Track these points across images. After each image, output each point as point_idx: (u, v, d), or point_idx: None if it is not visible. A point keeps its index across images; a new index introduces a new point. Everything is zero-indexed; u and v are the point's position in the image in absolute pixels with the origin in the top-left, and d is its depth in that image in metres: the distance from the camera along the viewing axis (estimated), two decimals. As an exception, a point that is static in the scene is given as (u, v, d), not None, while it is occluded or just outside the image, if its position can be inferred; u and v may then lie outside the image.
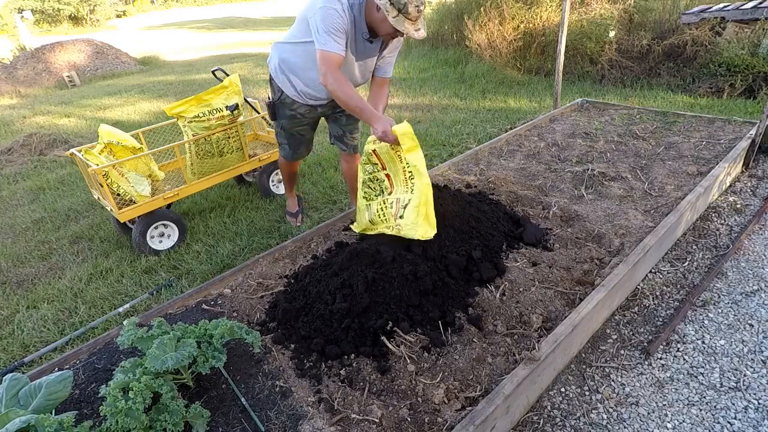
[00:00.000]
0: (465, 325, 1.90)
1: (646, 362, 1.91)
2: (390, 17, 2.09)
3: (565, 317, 1.86)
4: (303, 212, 3.36)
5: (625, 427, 1.67)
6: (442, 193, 2.39)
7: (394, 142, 2.08)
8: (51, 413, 1.47)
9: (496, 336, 1.87)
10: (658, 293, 2.28)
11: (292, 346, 1.87)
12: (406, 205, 2.08)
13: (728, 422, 1.64)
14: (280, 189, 3.75)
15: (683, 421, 1.66)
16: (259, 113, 3.66)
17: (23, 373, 1.84)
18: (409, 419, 1.55)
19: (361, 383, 1.70)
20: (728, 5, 5.55)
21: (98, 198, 3.11)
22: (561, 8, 4.33)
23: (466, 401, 1.60)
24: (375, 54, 2.46)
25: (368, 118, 2.16)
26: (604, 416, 1.71)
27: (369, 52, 2.43)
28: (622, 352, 1.97)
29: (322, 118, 2.88)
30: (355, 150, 2.94)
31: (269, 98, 2.75)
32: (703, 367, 1.87)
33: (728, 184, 3.15)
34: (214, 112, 3.12)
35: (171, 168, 3.56)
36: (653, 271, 2.43)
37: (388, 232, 2.16)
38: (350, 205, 3.25)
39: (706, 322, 2.08)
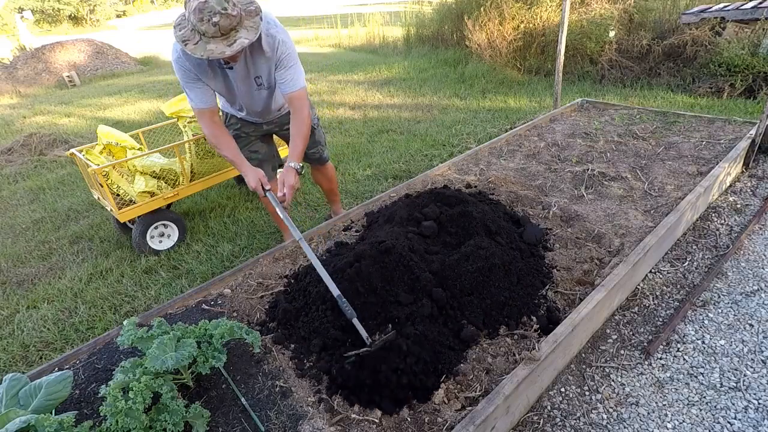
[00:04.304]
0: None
1: (646, 362, 1.91)
2: (190, 47, 1.82)
3: (565, 317, 1.86)
4: None
5: (625, 427, 1.67)
6: (442, 193, 2.39)
7: (262, 195, 2.15)
8: (51, 413, 1.47)
9: (497, 336, 1.87)
10: (658, 293, 2.28)
11: (292, 346, 1.87)
12: None
13: (728, 422, 1.64)
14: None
15: (683, 421, 1.66)
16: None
17: (23, 372, 1.84)
18: (409, 419, 1.55)
19: (361, 383, 1.69)
20: (728, 5, 5.54)
21: (98, 198, 3.11)
22: (561, 8, 4.33)
23: (466, 401, 1.60)
24: (249, 77, 2.19)
25: (241, 171, 2.18)
26: (604, 416, 1.71)
27: (240, 76, 2.16)
28: (622, 352, 1.97)
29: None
30: (320, 162, 2.85)
31: None
32: (703, 367, 1.87)
33: (728, 184, 3.15)
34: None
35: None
36: (653, 271, 2.43)
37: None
38: (350, 206, 3.25)
39: (706, 322, 2.08)
